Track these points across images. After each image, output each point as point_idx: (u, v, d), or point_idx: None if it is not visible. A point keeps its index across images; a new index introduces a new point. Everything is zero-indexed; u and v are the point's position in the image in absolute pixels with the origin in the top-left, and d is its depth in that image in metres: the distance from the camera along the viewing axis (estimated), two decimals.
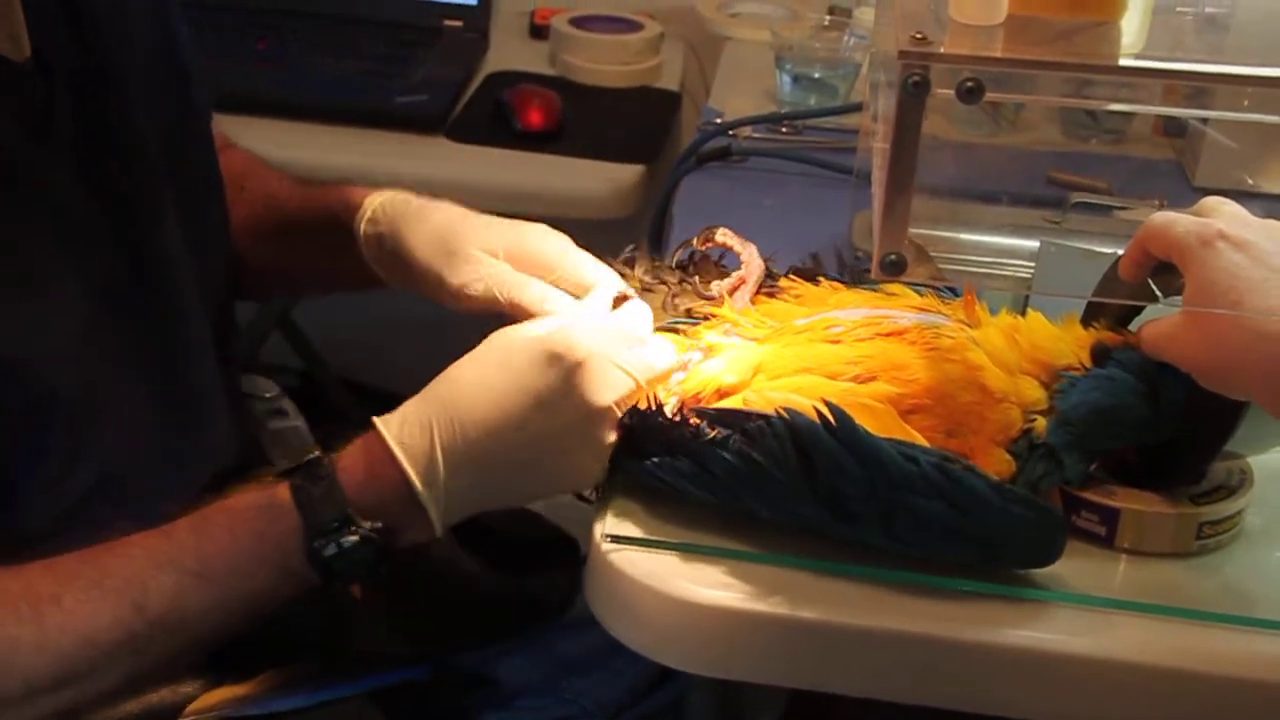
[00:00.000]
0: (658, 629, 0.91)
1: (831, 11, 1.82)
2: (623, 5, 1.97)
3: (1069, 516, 0.94)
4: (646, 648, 0.92)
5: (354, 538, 0.90)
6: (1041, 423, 0.92)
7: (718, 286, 1.08)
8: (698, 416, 0.92)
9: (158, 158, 1.03)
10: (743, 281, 1.08)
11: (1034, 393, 0.93)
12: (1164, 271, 0.92)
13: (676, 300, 1.09)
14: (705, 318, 1.05)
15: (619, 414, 0.93)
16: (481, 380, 0.92)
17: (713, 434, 0.91)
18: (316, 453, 0.92)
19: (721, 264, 1.13)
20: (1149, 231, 0.91)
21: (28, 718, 0.86)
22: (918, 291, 1.03)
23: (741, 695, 1.19)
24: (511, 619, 1.19)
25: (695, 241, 1.11)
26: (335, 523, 0.90)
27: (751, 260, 1.08)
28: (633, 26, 1.92)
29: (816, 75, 1.67)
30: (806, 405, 0.89)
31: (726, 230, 1.10)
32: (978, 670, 0.89)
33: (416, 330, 1.48)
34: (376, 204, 1.08)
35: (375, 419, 0.92)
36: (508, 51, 1.95)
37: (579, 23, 1.91)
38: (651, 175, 1.71)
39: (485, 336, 0.95)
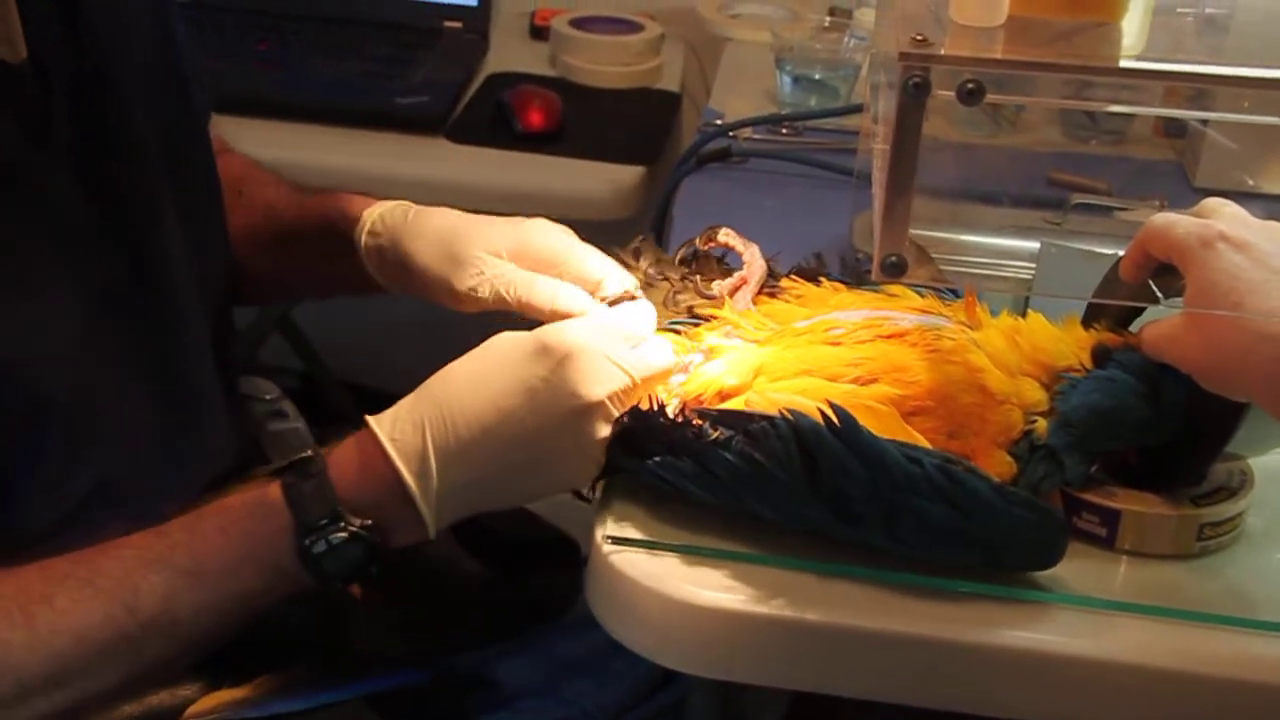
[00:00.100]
0: (659, 631, 0.91)
1: (832, 13, 1.82)
2: (623, 6, 1.97)
3: (1070, 518, 0.94)
4: (647, 649, 0.92)
5: (343, 534, 0.90)
6: (1042, 424, 0.92)
7: (719, 286, 1.08)
8: (700, 418, 0.92)
9: (156, 159, 1.03)
10: (744, 282, 1.08)
11: (1035, 394, 0.93)
12: (1165, 273, 0.92)
13: (679, 297, 1.09)
14: (707, 318, 1.05)
15: (613, 410, 0.92)
16: (474, 377, 0.92)
17: (715, 435, 0.91)
18: (310, 452, 0.92)
19: (725, 263, 1.12)
20: (1149, 233, 0.91)
21: (22, 718, 0.86)
22: (919, 293, 1.03)
23: (743, 697, 1.19)
24: (511, 620, 1.19)
25: (698, 241, 1.11)
26: (325, 520, 0.90)
27: (754, 261, 1.08)
28: (633, 27, 1.92)
29: (817, 76, 1.67)
30: (809, 407, 0.89)
31: (729, 230, 1.10)
32: (979, 672, 0.89)
33: (416, 332, 1.48)
34: (375, 216, 1.09)
35: (368, 417, 0.92)
36: (508, 52, 1.95)
37: (579, 24, 1.91)
38: (652, 176, 1.71)
39: (486, 337, 0.95)
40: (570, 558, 1.22)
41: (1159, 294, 0.94)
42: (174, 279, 1.04)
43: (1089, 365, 0.94)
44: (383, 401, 0.94)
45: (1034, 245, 1.14)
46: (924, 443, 0.90)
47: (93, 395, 0.96)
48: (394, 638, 1.11)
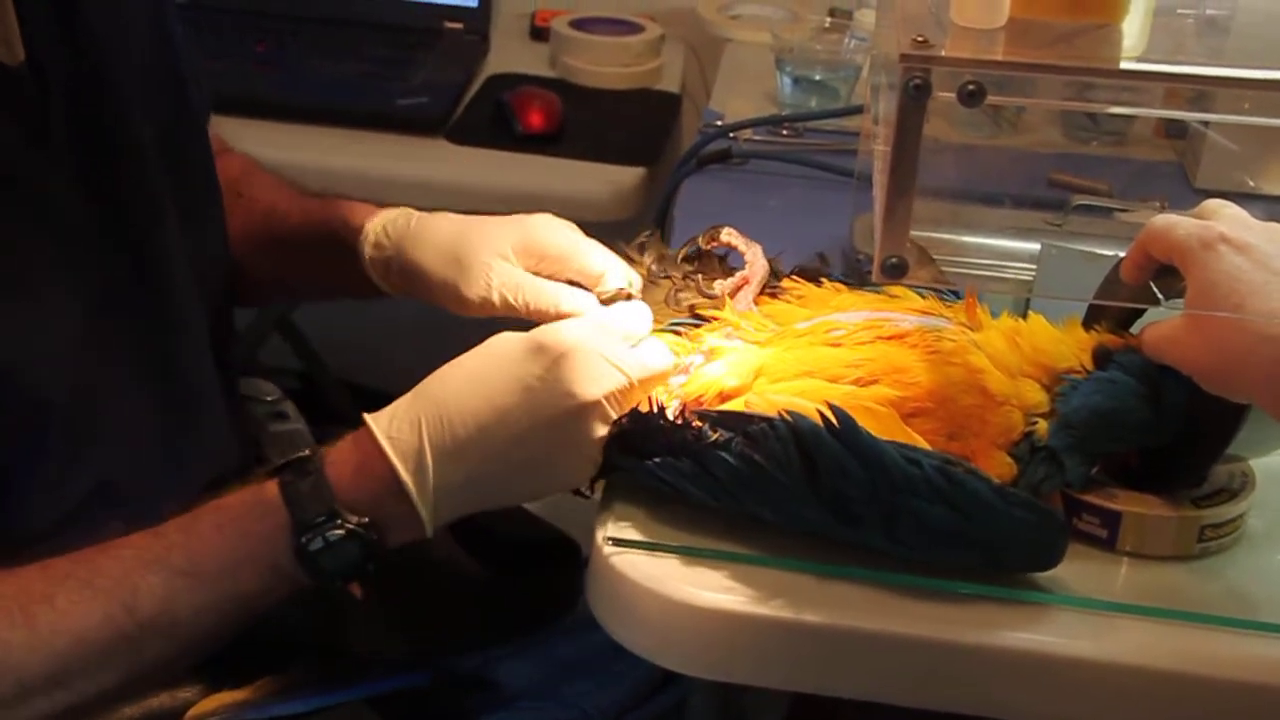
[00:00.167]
0: (659, 632, 0.91)
1: (832, 14, 1.82)
2: (623, 7, 1.97)
3: (1070, 519, 0.94)
4: (648, 651, 0.92)
5: (340, 532, 0.90)
6: (1043, 426, 0.92)
7: (720, 286, 1.08)
8: (700, 419, 0.92)
9: (155, 159, 1.03)
10: (746, 282, 1.07)
11: (1035, 395, 0.93)
12: (1165, 274, 0.92)
13: (680, 296, 1.09)
14: (708, 318, 1.05)
15: (609, 409, 0.93)
16: (471, 375, 0.92)
17: (715, 436, 0.91)
18: (307, 451, 0.92)
19: (727, 263, 1.12)
20: (1150, 234, 0.91)
21: (23, 719, 0.86)
22: (920, 294, 1.03)
23: (743, 698, 1.19)
24: (512, 621, 1.19)
25: (701, 240, 1.11)
26: (322, 517, 0.90)
27: (756, 261, 1.08)
28: (633, 29, 1.92)
29: (817, 78, 1.67)
30: (809, 408, 0.89)
31: (732, 230, 1.10)
32: (979, 673, 0.89)
33: (416, 332, 1.47)
34: (379, 227, 1.09)
35: (366, 415, 0.92)
36: (508, 54, 1.95)
37: (579, 25, 1.91)
38: (652, 177, 1.71)
39: (486, 337, 0.95)
40: (570, 558, 1.22)
41: (1160, 295, 0.94)
42: (174, 279, 1.04)
43: (1090, 367, 0.94)
44: (382, 402, 0.94)
45: (1035, 247, 1.14)
46: (924, 444, 0.90)
47: (93, 395, 0.96)
48: (394, 639, 1.11)
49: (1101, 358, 0.94)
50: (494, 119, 1.75)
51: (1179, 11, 0.94)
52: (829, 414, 0.88)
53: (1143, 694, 0.88)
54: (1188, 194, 1.44)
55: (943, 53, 0.85)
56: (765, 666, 0.91)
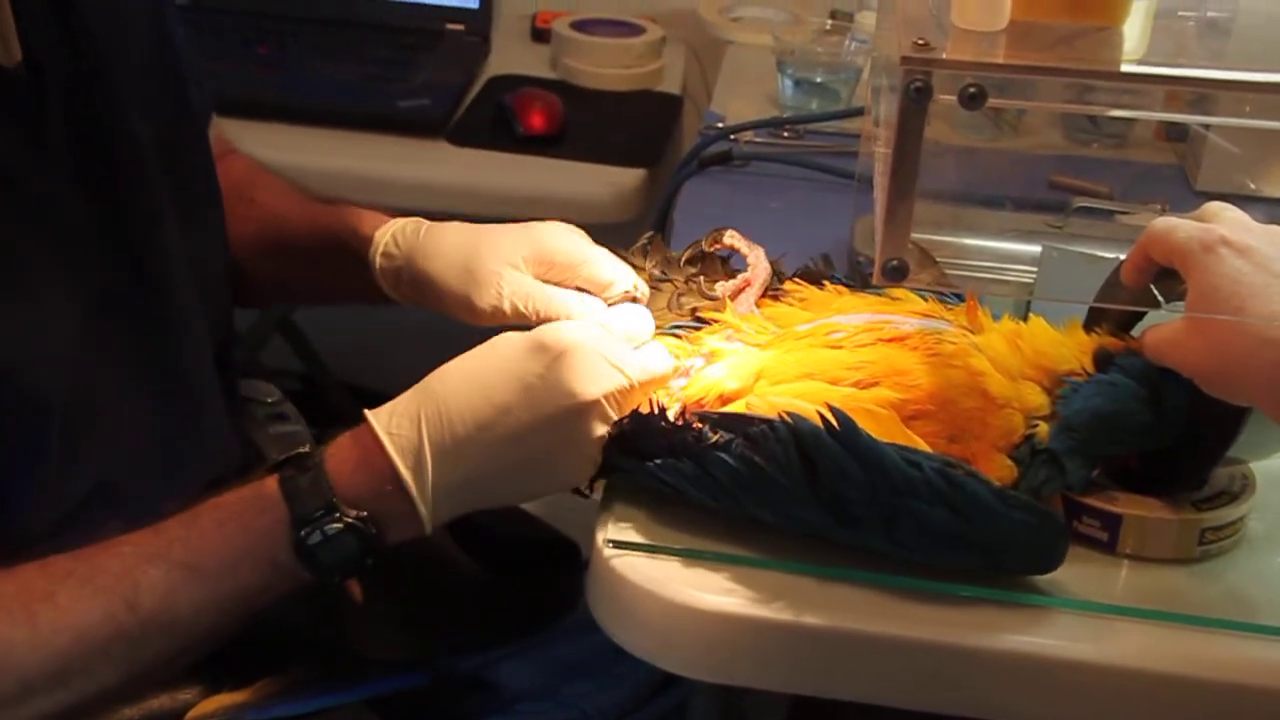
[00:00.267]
0: (659, 634, 0.91)
1: (833, 16, 1.82)
2: (624, 9, 1.97)
3: (1071, 522, 0.94)
4: (648, 653, 0.92)
5: (338, 525, 0.90)
6: (1044, 428, 0.92)
7: (722, 288, 1.08)
8: (700, 421, 0.92)
9: (154, 160, 1.03)
10: (748, 284, 1.07)
11: (1036, 398, 0.93)
12: (1166, 277, 0.92)
13: (682, 299, 1.09)
14: (710, 321, 1.05)
15: (609, 410, 0.93)
16: (471, 373, 0.92)
17: (715, 438, 0.91)
18: (307, 447, 0.92)
19: (730, 265, 1.13)
20: (1151, 237, 0.91)
21: (25, 717, 0.86)
22: (921, 297, 1.03)
23: (744, 701, 1.19)
24: (512, 623, 1.19)
25: (704, 243, 1.11)
26: (320, 511, 0.90)
27: (758, 263, 1.08)
28: (634, 30, 1.92)
29: (818, 79, 1.67)
30: (809, 410, 0.89)
31: (734, 232, 1.10)
32: (980, 676, 0.89)
33: (417, 334, 1.47)
34: (388, 237, 1.09)
35: (366, 411, 0.92)
36: (509, 55, 1.95)
37: (580, 26, 1.91)
38: (653, 179, 1.71)
39: (487, 338, 0.95)
40: (570, 560, 1.22)
41: (1160, 298, 0.94)
42: (173, 280, 1.04)
43: (1090, 369, 0.94)
44: (383, 403, 0.94)
45: (1035, 249, 1.14)
46: (924, 447, 0.90)
47: (92, 396, 0.96)
48: (394, 640, 1.11)
49: (1102, 360, 0.94)
50: (495, 120, 1.75)
51: (1180, 14, 0.94)
52: (829, 416, 0.88)
53: (1143, 697, 0.87)
54: (1188, 196, 1.44)
55: (944, 55, 0.85)
56: (766, 669, 0.91)
